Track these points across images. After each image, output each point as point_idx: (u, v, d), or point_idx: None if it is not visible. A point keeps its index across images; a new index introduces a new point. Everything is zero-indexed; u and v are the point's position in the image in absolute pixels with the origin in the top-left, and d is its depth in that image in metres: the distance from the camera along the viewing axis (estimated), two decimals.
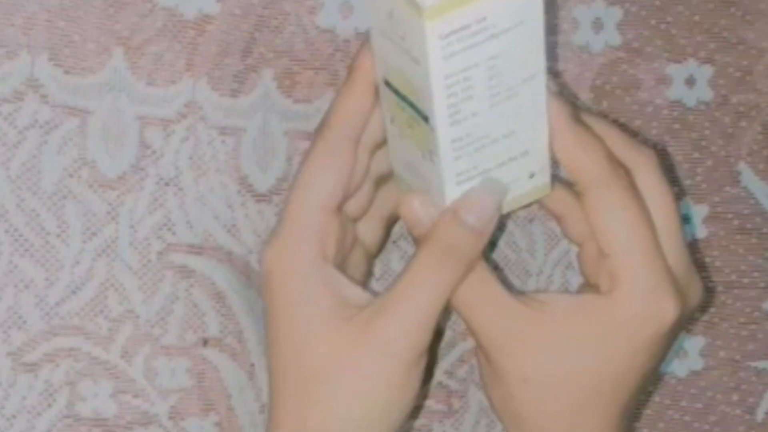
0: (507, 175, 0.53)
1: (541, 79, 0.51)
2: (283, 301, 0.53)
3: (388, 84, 0.52)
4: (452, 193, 0.52)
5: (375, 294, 0.54)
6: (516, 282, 0.63)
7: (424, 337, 0.52)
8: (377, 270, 0.62)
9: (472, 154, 0.51)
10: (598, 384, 0.53)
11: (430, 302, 0.52)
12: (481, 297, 0.53)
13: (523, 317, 0.53)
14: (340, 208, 0.54)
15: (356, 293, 0.53)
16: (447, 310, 0.54)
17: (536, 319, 0.53)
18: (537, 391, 0.53)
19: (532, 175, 0.53)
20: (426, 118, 0.50)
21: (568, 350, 0.53)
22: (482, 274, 0.53)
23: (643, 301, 0.52)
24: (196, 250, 0.60)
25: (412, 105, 0.51)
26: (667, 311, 0.53)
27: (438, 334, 0.63)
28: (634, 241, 0.52)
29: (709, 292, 0.67)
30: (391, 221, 0.58)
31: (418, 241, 0.53)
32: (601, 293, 0.53)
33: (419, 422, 0.64)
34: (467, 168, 0.52)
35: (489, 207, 0.52)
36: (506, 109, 0.51)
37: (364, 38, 0.54)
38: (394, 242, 0.62)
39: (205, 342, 0.60)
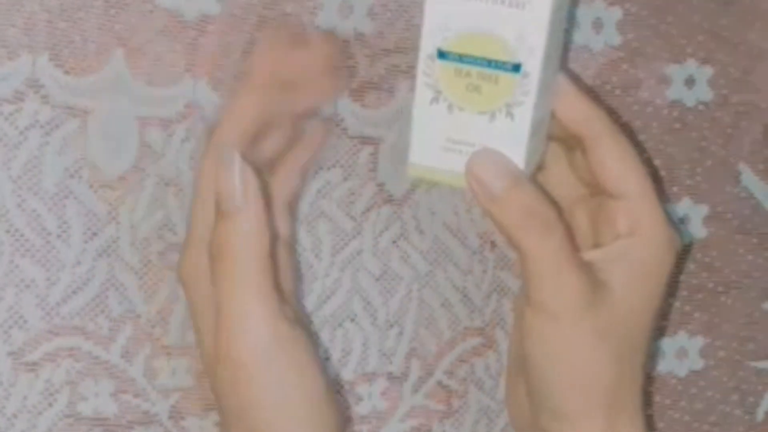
0: (538, 137, 0.54)
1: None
2: (192, 310, 0.55)
3: (444, 55, 0.52)
4: (530, 144, 0.53)
5: None
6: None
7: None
8: (376, 270, 0.62)
9: (539, 106, 0.53)
10: (643, 322, 0.55)
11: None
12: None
13: None
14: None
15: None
16: None
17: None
18: (589, 335, 0.54)
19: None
20: (516, 67, 0.51)
21: (621, 291, 0.54)
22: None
23: (665, 231, 0.55)
24: None
25: (489, 63, 0.52)
26: (677, 240, 0.55)
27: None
28: (647, 181, 0.55)
29: (709, 292, 0.67)
30: (294, 204, 0.60)
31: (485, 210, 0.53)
32: (631, 235, 0.54)
33: (419, 422, 0.64)
34: (538, 119, 0.53)
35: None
36: (550, 65, 0.53)
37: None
38: (394, 242, 0.63)
39: None
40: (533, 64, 0.51)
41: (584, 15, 0.64)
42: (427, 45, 0.52)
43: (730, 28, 0.66)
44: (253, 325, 0.53)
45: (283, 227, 0.58)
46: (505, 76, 0.52)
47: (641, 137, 0.65)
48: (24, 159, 0.57)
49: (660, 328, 0.67)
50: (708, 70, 0.66)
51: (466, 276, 0.64)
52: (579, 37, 0.64)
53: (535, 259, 0.52)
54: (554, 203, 0.54)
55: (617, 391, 0.55)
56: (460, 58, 0.52)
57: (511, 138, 0.52)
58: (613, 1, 0.64)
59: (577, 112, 0.55)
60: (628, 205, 0.55)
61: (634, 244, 0.54)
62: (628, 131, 0.65)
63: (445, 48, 0.52)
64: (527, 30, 0.51)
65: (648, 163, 0.65)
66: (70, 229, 0.58)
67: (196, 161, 0.59)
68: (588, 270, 0.53)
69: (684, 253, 0.66)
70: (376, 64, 0.61)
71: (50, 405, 0.59)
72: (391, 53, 0.61)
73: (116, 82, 0.58)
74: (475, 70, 0.52)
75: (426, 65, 0.52)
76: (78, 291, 0.59)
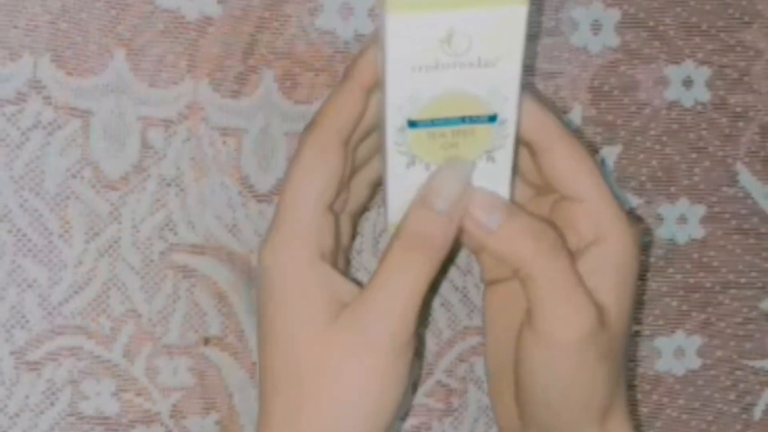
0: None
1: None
2: (279, 298, 0.53)
3: (415, 124, 0.52)
4: (511, 178, 0.53)
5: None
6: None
7: (406, 326, 0.52)
8: None
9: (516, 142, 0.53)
10: (629, 327, 0.55)
11: (407, 291, 0.52)
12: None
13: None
14: (331, 206, 0.54)
15: (350, 290, 0.53)
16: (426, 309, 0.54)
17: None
18: (593, 360, 0.54)
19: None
20: (492, 117, 0.51)
21: (614, 309, 0.54)
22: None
23: (629, 229, 0.54)
24: (197, 250, 0.60)
25: (463, 120, 0.51)
26: (637, 232, 0.55)
27: (420, 339, 0.63)
28: (602, 182, 0.55)
29: (706, 291, 0.67)
30: (358, 215, 0.59)
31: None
32: (598, 242, 0.54)
33: (419, 420, 0.64)
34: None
35: (455, 189, 0.52)
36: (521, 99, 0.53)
37: (365, 43, 0.54)
38: None
39: (206, 341, 0.61)
40: (509, 110, 0.51)
41: (583, 16, 0.64)
42: (395, 119, 0.51)
43: (728, 30, 0.66)
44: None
45: (345, 237, 0.57)
46: (482, 128, 0.51)
47: (639, 138, 0.65)
48: (26, 159, 0.57)
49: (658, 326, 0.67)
50: (706, 71, 0.66)
51: (466, 276, 0.64)
52: (577, 39, 0.64)
53: (545, 284, 0.52)
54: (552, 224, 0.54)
55: (611, 398, 0.55)
56: (433, 123, 0.51)
57: (494, 178, 0.53)
58: (611, 2, 0.64)
59: (528, 119, 0.54)
60: (588, 208, 0.54)
61: (606, 251, 0.54)
62: (627, 131, 0.65)
63: (415, 117, 0.51)
64: (500, 83, 0.50)
65: (646, 163, 0.65)
66: (72, 229, 0.58)
67: (196, 161, 0.60)
68: (590, 293, 0.53)
69: (676, 252, 0.67)
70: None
71: (52, 404, 0.59)
72: None
73: (118, 82, 0.58)
74: (449, 129, 0.51)
75: (396, 137, 0.52)
76: (80, 291, 0.59)
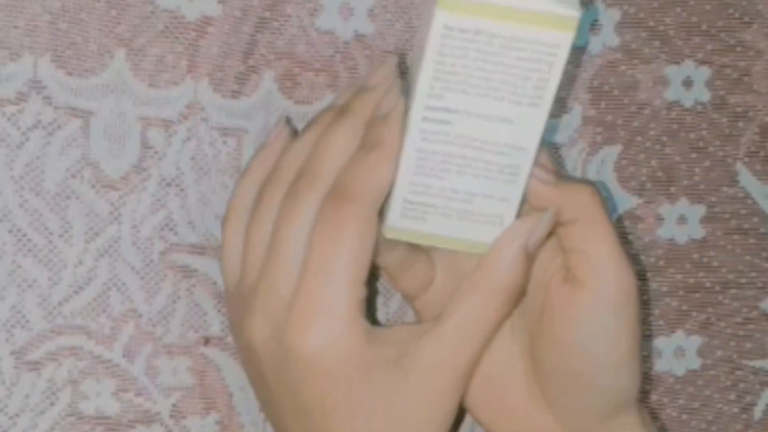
0: (461, 216, 0.53)
1: (531, 154, 0.51)
2: (340, 395, 0.51)
3: (407, 74, 0.52)
4: (400, 197, 0.52)
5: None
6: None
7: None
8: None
9: (433, 173, 0.51)
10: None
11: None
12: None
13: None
14: None
15: (394, 338, 0.53)
16: None
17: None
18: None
19: (486, 230, 0.53)
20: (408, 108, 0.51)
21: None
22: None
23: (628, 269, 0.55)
24: (197, 250, 0.60)
25: (410, 94, 0.51)
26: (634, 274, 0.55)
27: None
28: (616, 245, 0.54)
29: (706, 291, 0.67)
30: None
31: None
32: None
33: None
34: (424, 184, 0.52)
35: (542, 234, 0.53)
36: (480, 156, 0.51)
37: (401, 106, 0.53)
38: None
39: (206, 341, 0.61)
40: (410, 120, 0.50)
41: (583, 16, 0.64)
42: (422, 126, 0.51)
43: (728, 30, 0.66)
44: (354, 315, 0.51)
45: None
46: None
47: (639, 138, 0.65)
48: (26, 159, 0.58)
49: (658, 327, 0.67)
50: (706, 71, 0.66)
51: None
52: (577, 39, 0.64)
53: (602, 236, 0.53)
54: None
55: (640, 381, 0.57)
56: (406, 92, 0.52)
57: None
58: (611, 2, 0.64)
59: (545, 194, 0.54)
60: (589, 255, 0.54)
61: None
62: (627, 131, 0.65)
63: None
64: (417, 79, 0.50)
65: (646, 163, 0.65)
66: (72, 229, 0.58)
67: (197, 161, 0.60)
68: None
69: (676, 252, 0.67)
70: (377, 65, 0.61)
71: (52, 404, 0.59)
72: (392, 54, 0.61)
73: (118, 83, 0.58)
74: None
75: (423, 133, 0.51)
76: (80, 290, 0.59)
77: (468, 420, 0.64)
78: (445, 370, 0.52)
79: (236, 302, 0.54)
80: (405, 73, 0.56)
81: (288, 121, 0.58)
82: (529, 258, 0.53)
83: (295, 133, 0.57)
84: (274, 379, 0.52)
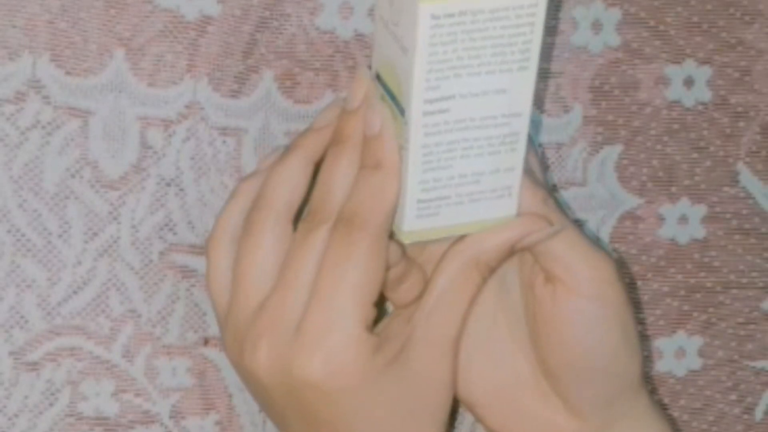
0: (473, 199, 0.53)
1: (526, 118, 0.52)
2: (350, 411, 0.52)
3: (378, 77, 0.52)
4: (413, 199, 0.52)
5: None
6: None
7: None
8: None
9: (440, 165, 0.52)
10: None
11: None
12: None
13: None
14: None
15: (392, 332, 0.54)
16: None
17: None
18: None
19: (499, 204, 0.54)
20: (403, 111, 0.51)
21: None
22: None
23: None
24: (197, 250, 0.60)
25: (393, 98, 0.51)
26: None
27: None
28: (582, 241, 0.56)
29: (707, 292, 0.67)
30: None
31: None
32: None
33: None
34: (432, 179, 0.52)
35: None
36: (481, 134, 0.52)
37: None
38: None
39: (206, 341, 0.61)
40: (409, 117, 0.51)
41: (583, 16, 0.64)
42: (374, 63, 0.51)
43: (729, 29, 0.66)
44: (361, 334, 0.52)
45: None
46: (400, 118, 0.51)
47: (640, 138, 0.65)
48: (25, 159, 0.57)
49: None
50: (707, 71, 0.66)
51: None
52: (578, 39, 0.64)
53: (565, 236, 0.54)
54: None
55: (641, 366, 0.58)
56: (385, 86, 0.52)
57: (404, 175, 0.52)
58: (612, 2, 0.64)
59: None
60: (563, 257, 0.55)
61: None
62: (628, 131, 0.65)
63: (379, 72, 0.52)
64: (408, 76, 0.50)
65: (647, 163, 0.65)
66: (71, 229, 0.58)
67: (196, 161, 0.60)
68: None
69: (677, 252, 0.67)
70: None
71: (51, 405, 0.59)
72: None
73: (117, 82, 0.58)
74: (391, 101, 0.52)
75: (376, 82, 0.52)
76: (79, 291, 0.59)
77: (469, 419, 0.64)
78: (433, 345, 0.53)
79: (230, 329, 0.55)
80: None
81: (285, 148, 0.58)
82: (508, 252, 0.54)
83: None
84: (282, 403, 0.53)
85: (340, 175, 0.53)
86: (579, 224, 0.64)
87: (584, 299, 0.55)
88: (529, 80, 0.51)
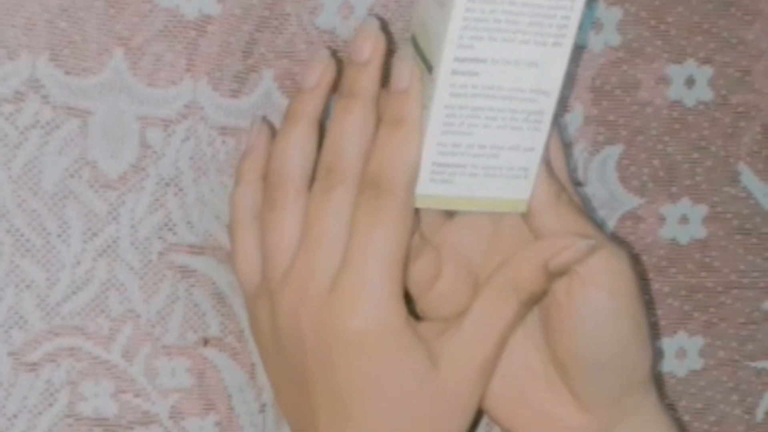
0: (488, 173, 0.53)
1: (554, 98, 0.52)
2: (384, 363, 0.53)
3: (413, 39, 0.52)
4: (428, 160, 0.52)
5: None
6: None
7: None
8: None
9: (461, 130, 0.52)
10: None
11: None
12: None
13: None
14: None
15: (427, 326, 0.55)
16: None
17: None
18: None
19: (513, 185, 0.54)
20: (431, 69, 0.50)
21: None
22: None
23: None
24: (196, 250, 0.60)
25: (424, 59, 0.51)
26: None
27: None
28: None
29: (708, 292, 0.67)
30: None
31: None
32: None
33: None
34: (452, 143, 0.52)
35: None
36: (506, 105, 0.51)
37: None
38: None
39: (205, 342, 0.61)
40: (437, 73, 0.50)
41: (584, 15, 0.63)
42: (412, 25, 0.51)
43: (730, 29, 0.66)
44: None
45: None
46: (427, 75, 0.51)
47: (641, 138, 0.65)
48: (24, 159, 0.57)
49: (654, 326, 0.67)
50: (708, 71, 0.66)
51: None
52: (579, 38, 0.63)
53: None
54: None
55: (652, 362, 0.59)
56: (417, 45, 0.52)
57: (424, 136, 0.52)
58: (613, 1, 0.64)
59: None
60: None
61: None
62: (629, 131, 0.65)
63: (414, 33, 0.52)
64: (441, 31, 0.50)
65: (648, 163, 0.65)
66: (70, 229, 0.58)
67: (196, 161, 0.60)
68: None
69: (678, 252, 0.67)
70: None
71: (50, 405, 0.59)
72: (391, 53, 0.61)
73: (116, 82, 0.58)
74: (421, 62, 0.52)
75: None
76: (78, 291, 0.59)
77: (484, 420, 0.64)
78: (463, 365, 0.54)
79: (262, 300, 0.56)
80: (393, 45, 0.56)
81: (263, 118, 0.58)
82: (550, 275, 0.55)
83: (273, 129, 0.58)
84: (311, 362, 0.53)
85: (353, 130, 0.53)
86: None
87: (598, 291, 0.55)
88: (563, 58, 0.51)
